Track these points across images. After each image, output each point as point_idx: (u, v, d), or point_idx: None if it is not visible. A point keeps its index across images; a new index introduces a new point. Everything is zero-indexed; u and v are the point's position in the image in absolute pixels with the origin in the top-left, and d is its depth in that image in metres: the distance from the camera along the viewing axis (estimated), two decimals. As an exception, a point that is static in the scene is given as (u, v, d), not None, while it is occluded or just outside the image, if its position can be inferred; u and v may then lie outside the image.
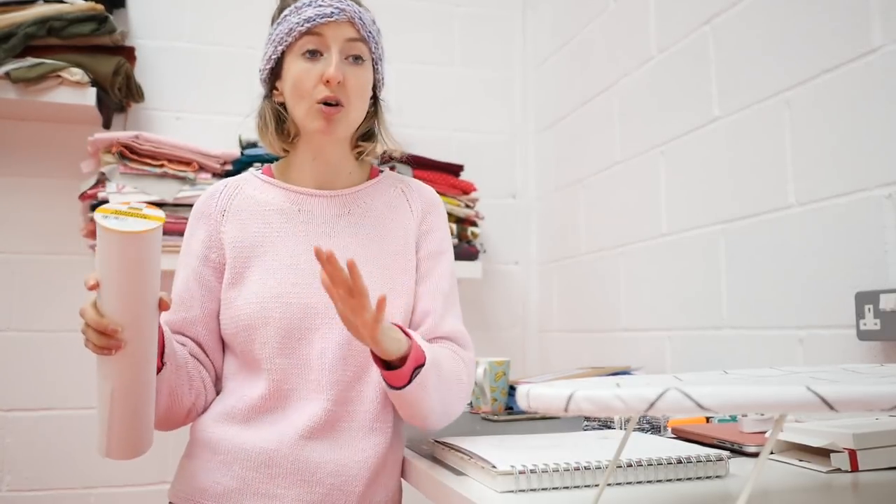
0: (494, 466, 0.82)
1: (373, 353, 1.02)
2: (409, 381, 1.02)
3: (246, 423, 1.09)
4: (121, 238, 0.88)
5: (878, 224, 1.19)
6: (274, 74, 1.17)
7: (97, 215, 0.89)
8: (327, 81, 1.09)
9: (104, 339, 0.92)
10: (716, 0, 1.57)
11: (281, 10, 1.15)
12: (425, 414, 1.07)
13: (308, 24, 1.09)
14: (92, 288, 0.91)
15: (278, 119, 1.18)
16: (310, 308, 1.09)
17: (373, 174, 1.24)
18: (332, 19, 1.10)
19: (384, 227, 1.18)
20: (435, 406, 1.07)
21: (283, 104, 1.16)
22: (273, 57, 1.14)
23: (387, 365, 1.03)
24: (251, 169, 1.24)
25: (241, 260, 1.12)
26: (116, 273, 0.91)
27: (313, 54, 1.11)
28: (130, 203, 0.93)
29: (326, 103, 1.10)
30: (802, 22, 1.35)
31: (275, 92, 1.18)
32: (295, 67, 1.11)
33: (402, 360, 1.02)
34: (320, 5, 1.10)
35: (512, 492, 0.80)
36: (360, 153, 1.21)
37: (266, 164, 1.24)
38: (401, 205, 1.21)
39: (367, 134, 1.21)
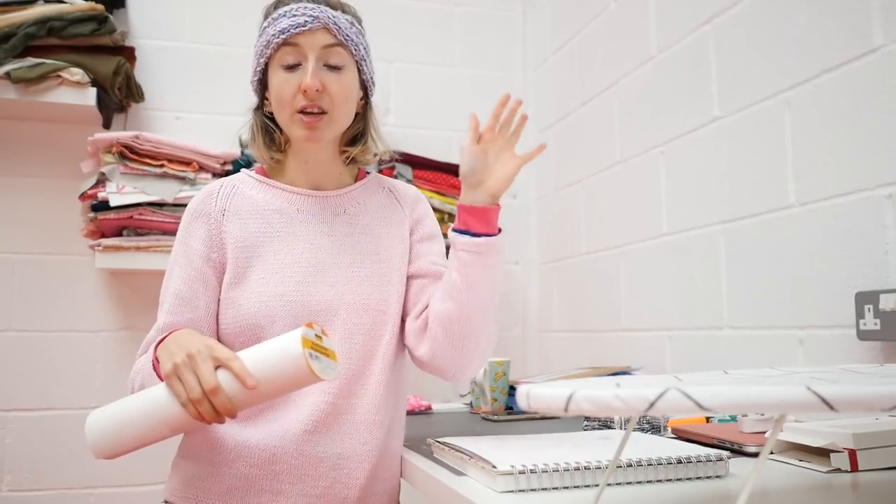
0: (494, 466, 0.82)
1: (466, 205, 1.10)
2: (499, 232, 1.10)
3: (246, 419, 1.09)
4: (310, 378, 0.92)
5: (878, 224, 1.19)
6: (262, 85, 1.19)
7: (306, 351, 0.90)
8: (304, 91, 1.09)
9: (215, 417, 0.92)
10: (716, 0, 1.57)
11: (264, 18, 1.16)
12: (493, 296, 1.11)
13: (283, 36, 1.10)
14: (251, 388, 0.91)
15: (266, 130, 1.19)
16: (312, 305, 1.11)
17: (360, 176, 1.27)
18: (305, 28, 1.10)
19: (380, 223, 1.21)
20: (493, 299, 1.11)
21: (272, 114, 1.18)
22: (258, 69, 1.16)
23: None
24: (244, 169, 1.24)
25: (242, 259, 1.13)
26: (276, 390, 0.94)
27: (292, 65, 1.12)
28: (315, 328, 0.95)
29: (307, 112, 1.11)
30: (802, 22, 1.35)
31: (265, 102, 1.19)
32: (276, 79, 1.13)
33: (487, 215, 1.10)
34: (294, 15, 1.10)
35: (512, 492, 0.80)
36: (347, 157, 1.22)
37: (258, 165, 1.25)
38: (391, 203, 1.25)
39: (355, 137, 1.22)
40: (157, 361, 1.01)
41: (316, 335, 0.94)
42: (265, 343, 0.96)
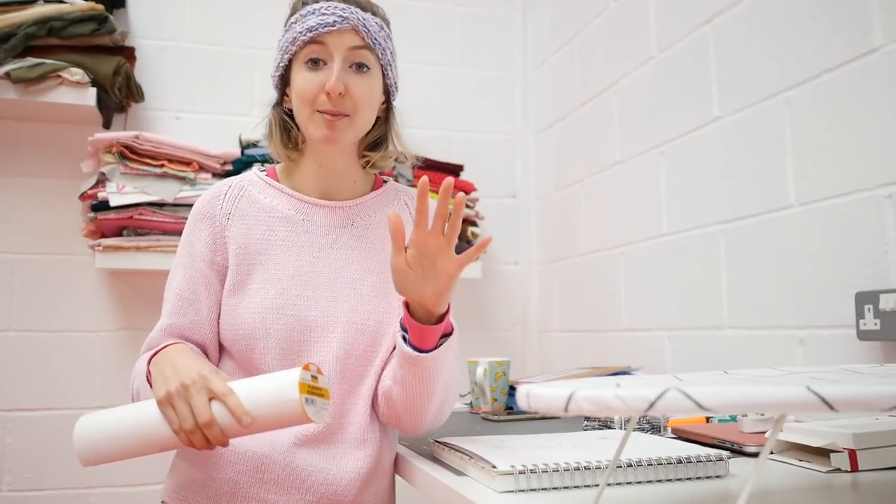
0: (494, 466, 0.82)
1: (407, 309, 1.02)
2: (436, 347, 1.03)
3: None
4: (304, 421, 0.93)
5: (878, 224, 1.19)
6: (284, 81, 1.16)
7: (302, 396, 0.91)
8: (328, 93, 1.07)
9: (206, 446, 0.93)
10: (716, 0, 1.57)
11: (291, 13, 1.14)
12: (428, 398, 1.07)
13: (311, 34, 1.08)
14: (247, 426, 0.92)
15: (284, 127, 1.17)
16: (310, 320, 1.10)
17: (377, 184, 1.24)
18: (334, 28, 1.08)
19: (387, 239, 1.17)
20: (438, 391, 1.07)
21: (290, 111, 1.16)
22: (281, 64, 1.14)
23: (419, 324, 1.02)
24: (255, 169, 1.22)
25: (244, 266, 1.12)
26: (268, 426, 0.95)
27: (316, 63, 1.09)
28: (311, 369, 0.95)
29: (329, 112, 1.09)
30: (802, 22, 1.35)
31: (285, 98, 1.17)
32: (299, 77, 1.10)
33: (435, 322, 1.02)
34: (323, 14, 1.08)
35: (512, 492, 0.80)
36: (366, 162, 1.20)
37: (270, 165, 1.23)
38: (403, 216, 1.21)
39: (375, 142, 1.20)
40: (151, 376, 1.01)
41: (312, 376, 0.94)
42: (261, 379, 0.95)
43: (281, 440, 1.07)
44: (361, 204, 1.19)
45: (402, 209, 1.22)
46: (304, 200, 1.16)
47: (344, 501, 1.08)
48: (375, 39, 1.11)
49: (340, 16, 1.08)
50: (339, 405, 1.10)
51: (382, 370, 1.14)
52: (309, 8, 1.10)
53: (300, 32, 1.09)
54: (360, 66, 1.10)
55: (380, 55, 1.12)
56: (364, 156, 1.20)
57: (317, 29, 1.08)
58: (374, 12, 1.14)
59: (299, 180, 1.18)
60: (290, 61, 1.13)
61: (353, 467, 1.09)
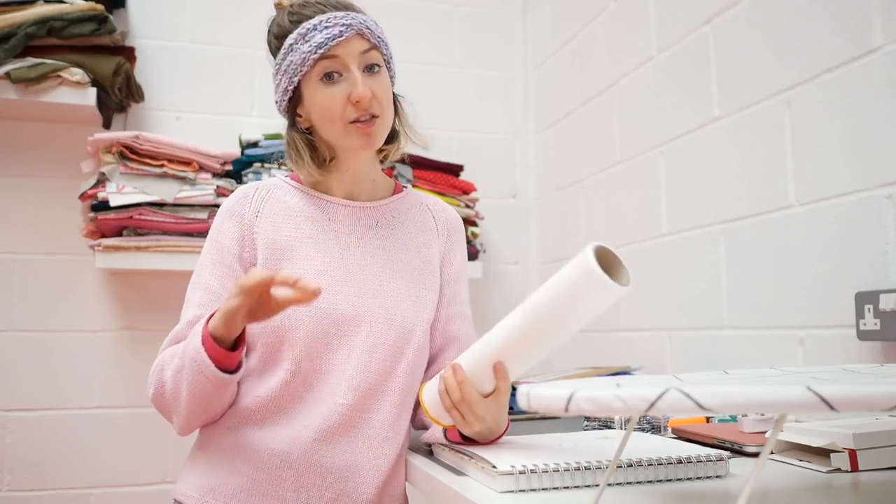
0: (494, 466, 0.82)
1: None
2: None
3: (258, 423, 1.08)
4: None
5: (878, 224, 1.19)
6: (293, 103, 1.15)
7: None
8: (357, 102, 1.08)
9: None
10: (716, 0, 1.57)
11: (280, 37, 1.12)
12: None
13: (321, 50, 1.08)
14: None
15: (312, 146, 1.16)
16: (338, 313, 1.10)
17: (397, 190, 1.26)
18: (342, 38, 1.08)
19: (411, 241, 1.20)
20: None
21: (309, 129, 1.16)
22: (289, 88, 1.13)
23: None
24: (279, 175, 1.24)
25: (272, 261, 1.13)
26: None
27: (332, 77, 1.10)
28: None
29: (359, 120, 1.10)
30: (802, 22, 1.35)
31: (298, 119, 1.17)
32: (318, 94, 1.10)
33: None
34: (326, 27, 1.08)
35: (512, 492, 0.80)
36: (384, 156, 1.22)
37: (292, 171, 1.25)
38: (426, 221, 1.24)
39: (389, 136, 1.21)
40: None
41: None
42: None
43: (302, 436, 1.07)
44: (385, 206, 1.21)
45: (424, 213, 1.25)
46: (329, 201, 1.18)
47: (362, 499, 1.08)
48: (380, 38, 1.13)
49: (344, 24, 1.09)
50: (363, 399, 1.10)
51: (409, 373, 1.14)
52: (308, 25, 1.09)
53: (309, 51, 1.08)
54: (372, 67, 1.12)
55: (384, 51, 1.15)
56: (380, 150, 1.21)
57: (326, 44, 1.08)
58: (363, 12, 1.16)
59: (323, 186, 1.20)
60: (299, 82, 1.12)
61: (373, 464, 1.09)
